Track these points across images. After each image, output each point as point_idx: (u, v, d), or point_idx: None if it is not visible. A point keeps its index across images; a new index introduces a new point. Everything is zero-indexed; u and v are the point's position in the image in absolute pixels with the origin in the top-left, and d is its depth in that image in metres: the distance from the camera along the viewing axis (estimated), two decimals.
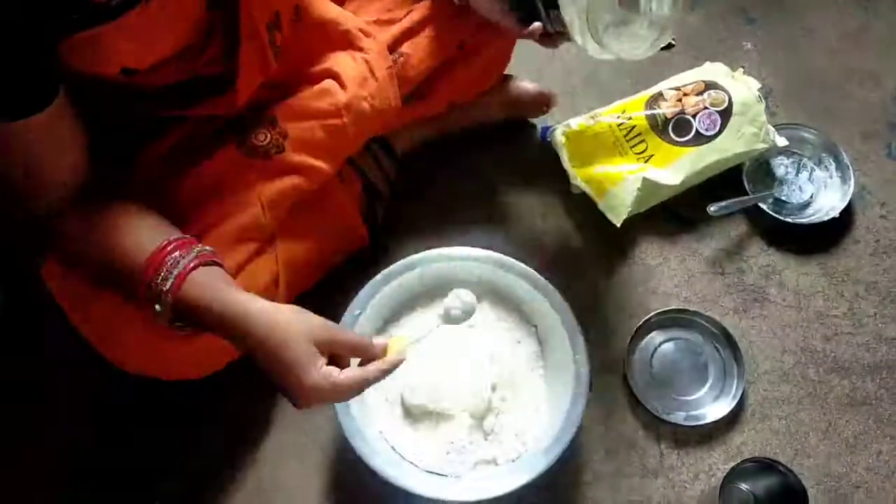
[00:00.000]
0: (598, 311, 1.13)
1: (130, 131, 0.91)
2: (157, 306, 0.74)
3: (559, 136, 1.18)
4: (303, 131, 0.95)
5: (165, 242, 0.76)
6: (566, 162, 1.18)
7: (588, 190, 1.15)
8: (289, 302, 0.99)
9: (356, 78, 0.98)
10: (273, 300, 0.92)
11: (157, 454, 1.03)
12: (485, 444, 0.98)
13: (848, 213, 1.20)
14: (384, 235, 1.14)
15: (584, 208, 1.17)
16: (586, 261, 1.16)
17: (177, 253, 0.75)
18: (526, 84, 1.22)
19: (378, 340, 0.79)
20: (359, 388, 0.75)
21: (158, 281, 0.73)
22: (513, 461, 0.96)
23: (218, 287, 0.75)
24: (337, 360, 0.76)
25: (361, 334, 0.98)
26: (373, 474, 0.90)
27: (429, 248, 1.02)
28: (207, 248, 0.78)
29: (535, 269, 1.01)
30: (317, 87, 0.98)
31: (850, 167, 1.21)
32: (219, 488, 1.01)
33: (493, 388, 1.00)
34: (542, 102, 1.23)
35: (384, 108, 1.01)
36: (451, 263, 1.02)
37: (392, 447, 0.97)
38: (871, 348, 1.12)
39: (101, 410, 1.05)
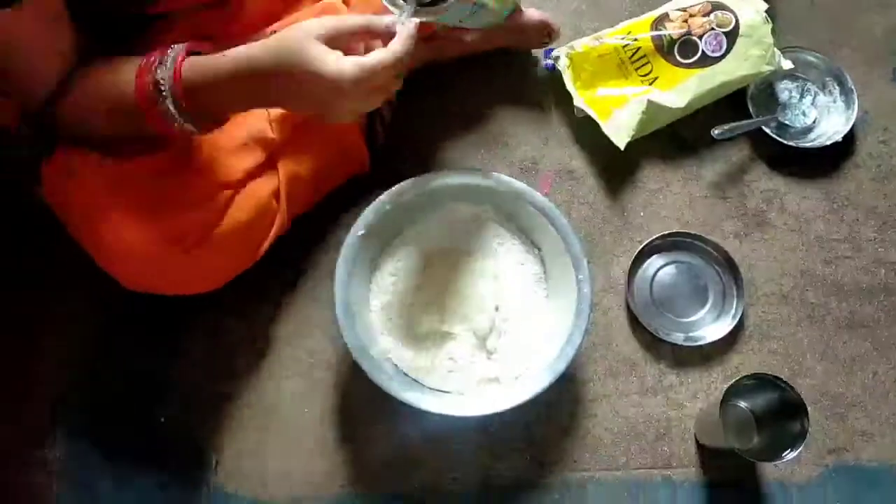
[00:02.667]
0: (600, 234, 1.13)
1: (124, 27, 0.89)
2: (169, 107, 0.74)
3: (563, 58, 1.17)
4: None
5: (145, 56, 0.76)
6: (570, 84, 1.16)
7: (592, 112, 1.14)
8: (291, 219, 0.99)
9: None
10: (274, 215, 0.93)
11: (157, 375, 1.03)
12: (488, 363, 0.99)
13: (850, 138, 1.19)
14: (385, 157, 1.12)
15: (587, 132, 1.16)
16: (589, 184, 1.16)
17: (158, 56, 0.75)
18: (531, 11, 1.20)
19: (387, 19, 0.77)
20: (388, 64, 0.73)
21: (156, 82, 0.73)
22: (515, 379, 0.97)
23: (214, 58, 0.75)
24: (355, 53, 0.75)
25: (365, 253, 0.98)
26: (377, 391, 0.91)
27: (430, 170, 1.01)
28: (181, 44, 0.77)
29: (538, 192, 1.01)
30: (321, 4, 0.96)
31: (854, 92, 1.20)
32: (221, 407, 1.02)
33: (497, 308, 1.01)
34: (545, 32, 1.20)
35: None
36: (454, 184, 1.02)
37: (396, 365, 0.98)
38: (871, 272, 1.13)
39: (97, 333, 1.05)
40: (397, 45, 0.74)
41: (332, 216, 1.10)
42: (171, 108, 0.74)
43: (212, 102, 0.76)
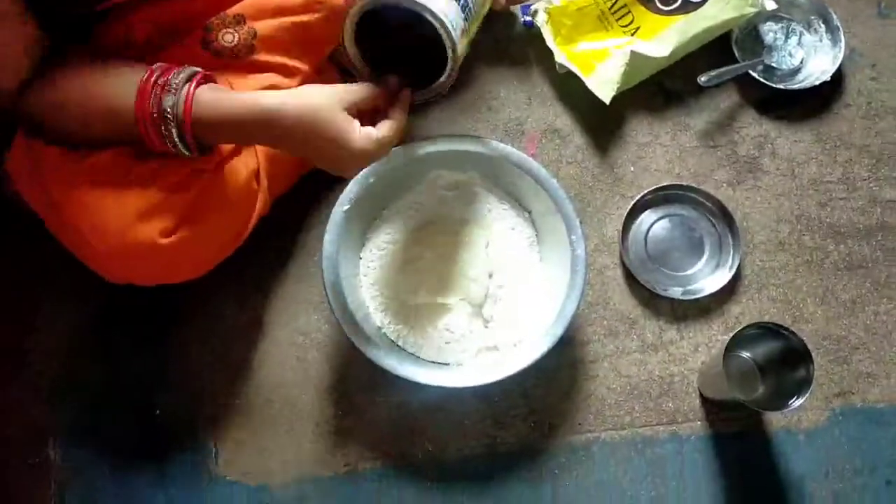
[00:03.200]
0: (590, 192, 1.11)
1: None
2: (172, 135, 0.75)
3: (541, 14, 1.14)
4: (273, 29, 0.90)
5: (148, 73, 0.75)
6: (549, 40, 1.13)
7: (574, 68, 1.11)
8: (272, 200, 0.96)
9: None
10: (255, 197, 0.90)
11: (151, 367, 1.02)
12: (485, 332, 0.98)
13: (839, 77, 1.17)
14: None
15: (570, 89, 1.14)
16: (576, 142, 1.13)
17: (162, 78, 0.75)
18: None
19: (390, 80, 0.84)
20: (397, 136, 0.82)
21: (162, 110, 0.74)
22: (514, 346, 0.96)
23: (228, 98, 0.77)
24: (360, 116, 0.80)
25: (351, 229, 0.96)
26: (374, 367, 0.90)
27: (414, 138, 0.98)
28: (193, 67, 0.78)
29: (525, 154, 0.98)
30: (287, 20, 0.91)
31: (840, 30, 1.17)
32: (218, 395, 1.01)
33: (490, 276, 0.99)
34: None
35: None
36: (438, 152, 0.99)
37: (392, 340, 0.96)
38: (866, 212, 1.11)
39: (89, 327, 1.03)
40: (400, 115, 0.83)
41: (314, 194, 1.07)
42: (175, 136, 0.75)
43: (218, 138, 0.80)
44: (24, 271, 1.04)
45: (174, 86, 0.75)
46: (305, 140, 0.77)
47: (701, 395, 1.02)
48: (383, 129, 0.80)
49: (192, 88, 0.75)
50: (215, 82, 0.79)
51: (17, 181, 0.82)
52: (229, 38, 0.88)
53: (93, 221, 0.78)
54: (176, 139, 0.76)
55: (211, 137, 0.78)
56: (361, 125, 0.79)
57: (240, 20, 0.89)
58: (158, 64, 0.77)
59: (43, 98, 0.76)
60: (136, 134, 0.76)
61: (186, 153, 0.78)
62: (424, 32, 0.81)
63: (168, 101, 0.74)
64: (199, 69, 0.78)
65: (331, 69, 1.03)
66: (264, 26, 0.89)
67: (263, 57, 0.90)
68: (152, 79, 0.75)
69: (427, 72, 0.85)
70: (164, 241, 0.80)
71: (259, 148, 0.92)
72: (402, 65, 0.86)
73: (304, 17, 0.91)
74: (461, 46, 0.83)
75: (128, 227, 0.78)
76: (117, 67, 0.78)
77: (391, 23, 0.83)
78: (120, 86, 0.76)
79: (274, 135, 0.78)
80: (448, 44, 0.81)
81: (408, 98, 0.85)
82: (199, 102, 0.75)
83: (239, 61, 0.89)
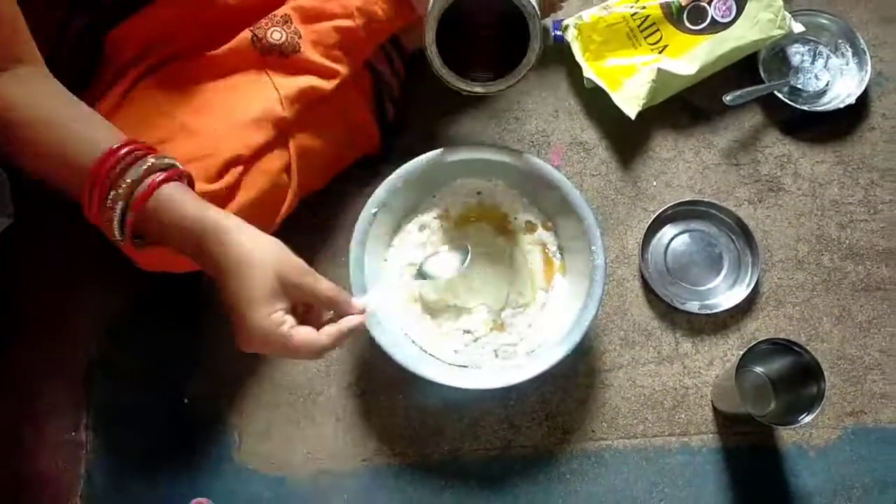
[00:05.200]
0: (612, 205, 1.13)
1: None
2: (111, 216, 0.69)
3: (571, 29, 1.16)
4: (317, 33, 0.95)
5: (125, 141, 0.70)
6: (579, 55, 1.16)
7: (602, 83, 1.13)
8: (301, 197, 1.00)
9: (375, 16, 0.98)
10: (285, 192, 0.93)
11: (182, 352, 1.05)
12: (503, 336, 1.00)
13: (864, 99, 1.18)
14: (396, 134, 1.13)
15: (597, 103, 1.16)
16: (600, 156, 1.16)
17: (131, 154, 0.69)
18: None
19: (357, 301, 0.76)
20: (314, 353, 0.71)
21: (116, 190, 0.68)
22: (531, 351, 0.98)
23: (187, 199, 0.71)
24: (307, 311, 0.74)
25: (378, 231, 0.99)
26: (395, 366, 0.92)
27: (441, 146, 1.01)
28: (170, 159, 0.72)
29: (550, 165, 1.01)
30: (330, 25, 0.96)
31: (867, 53, 1.18)
32: (243, 384, 1.04)
33: (511, 282, 1.01)
34: (551, 1, 1.19)
35: (395, 12, 0.99)
36: (465, 160, 1.02)
37: (413, 340, 0.99)
38: (886, 234, 1.12)
39: (125, 311, 1.07)
40: (327, 342, 0.72)
41: (342, 194, 1.10)
42: (118, 212, 0.69)
43: (153, 234, 0.72)
44: (65, 258, 1.08)
45: (139, 169, 0.69)
46: (221, 282, 0.69)
47: (714, 408, 1.03)
48: (304, 332, 0.70)
49: (158, 179, 0.69)
50: (188, 180, 0.75)
51: None
52: (277, 35, 0.93)
53: None
54: (116, 215, 0.69)
55: (147, 228, 0.71)
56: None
57: (287, 20, 0.94)
58: (136, 139, 0.72)
59: (11, 102, 0.69)
60: (77, 190, 0.70)
61: (118, 235, 0.71)
62: (499, 18, 0.83)
63: (128, 175, 0.69)
64: (176, 163, 0.73)
65: (363, 71, 1.07)
66: (308, 29, 0.95)
67: (307, 56, 0.94)
68: (124, 149, 0.69)
69: (508, 59, 0.88)
70: None
71: (291, 145, 0.95)
72: (483, 57, 0.88)
73: (345, 23, 0.96)
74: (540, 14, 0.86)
75: None
76: (92, 115, 0.73)
77: (467, 17, 0.85)
78: (89, 135, 0.70)
79: (203, 259, 0.70)
80: (529, 10, 0.84)
81: (351, 328, 0.75)
82: (159, 193, 0.69)
83: (284, 59, 0.93)
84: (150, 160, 0.70)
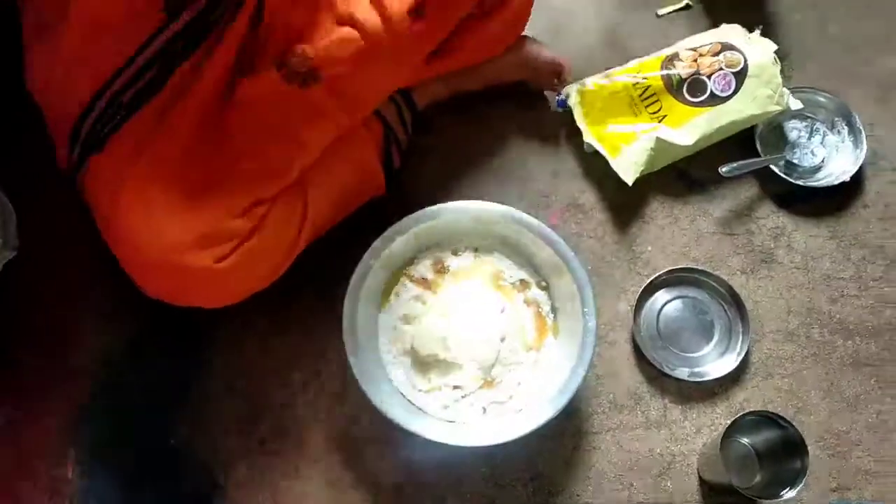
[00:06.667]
0: (607, 267, 1.15)
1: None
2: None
3: (574, 95, 1.19)
4: (329, 76, 0.97)
5: None
6: (580, 120, 1.19)
7: (601, 148, 1.16)
8: (307, 242, 1.02)
9: (375, 30, 0.99)
10: (298, 237, 0.98)
11: (172, 394, 1.06)
12: (492, 393, 1.01)
13: (858, 177, 1.20)
14: (398, 186, 1.15)
15: (596, 167, 1.19)
16: (597, 219, 1.18)
17: None
18: (543, 49, 1.22)
19: None
20: None
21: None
22: (519, 410, 0.99)
23: None
24: None
25: (376, 282, 1.02)
26: (383, 419, 0.93)
27: (442, 200, 1.03)
28: None
29: (547, 225, 1.02)
30: (336, 35, 0.98)
31: (863, 132, 1.21)
32: (229, 428, 1.04)
33: (503, 339, 1.02)
34: (556, 71, 1.22)
35: (401, 62, 1.02)
36: (465, 216, 1.04)
37: (402, 394, 1.00)
38: (876, 311, 1.13)
39: (119, 349, 1.08)
40: None
41: (345, 242, 1.11)
42: None
43: None
44: (64, 292, 1.10)
45: None
46: None
47: (700, 477, 1.03)
48: None
49: None
50: None
51: (91, 188, 0.90)
52: (299, 64, 0.95)
53: (158, 231, 0.86)
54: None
55: None
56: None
57: (305, 55, 0.96)
58: None
59: None
60: None
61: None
62: None
63: None
64: None
65: (373, 120, 1.10)
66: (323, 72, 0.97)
67: (325, 91, 0.97)
68: None
69: None
70: (215, 267, 0.88)
71: (308, 188, 0.99)
72: None
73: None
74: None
75: (188, 246, 0.86)
76: None
77: None
78: None
79: None
80: None
81: None
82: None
83: (306, 89, 0.96)
84: None
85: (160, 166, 0.89)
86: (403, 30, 1.00)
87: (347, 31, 0.99)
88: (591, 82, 1.18)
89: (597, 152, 1.17)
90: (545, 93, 1.25)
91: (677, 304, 1.13)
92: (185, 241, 0.87)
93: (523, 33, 1.20)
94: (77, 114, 0.90)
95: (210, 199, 0.90)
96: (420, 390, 1.01)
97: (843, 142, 1.23)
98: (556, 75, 1.22)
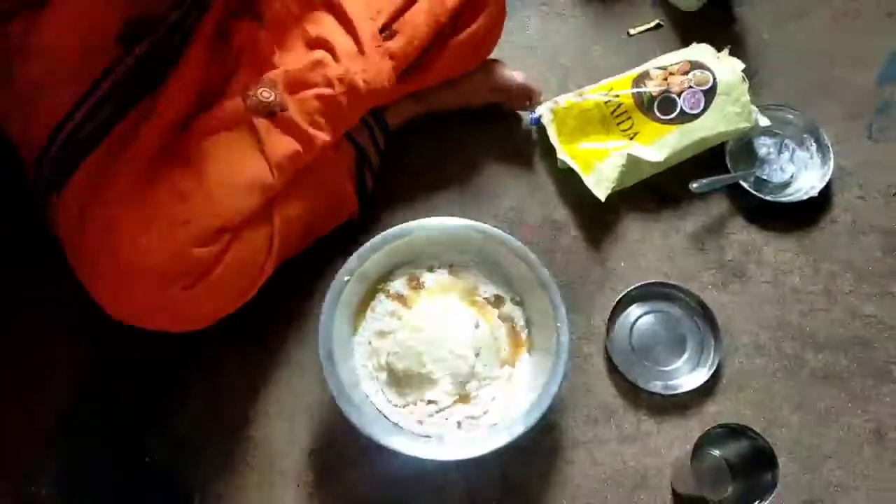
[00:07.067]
0: (580, 283, 1.16)
1: None
2: None
3: (547, 113, 1.21)
4: (300, 101, 0.98)
5: None
6: (553, 137, 1.20)
7: (574, 165, 1.18)
8: (276, 264, 1.01)
9: (349, 52, 1.01)
10: (265, 261, 0.95)
11: (147, 412, 1.06)
12: (467, 408, 1.01)
13: (827, 193, 1.23)
14: (374, 203, 1.16)
15: (569, 184, 1.20)
16: (570, 234, 1.19)
17: None
18: (514, 73, 1.23)
19: None
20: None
21: None
22: (493, 425, 0.99)
23: None
24: None
25: (350, 299, 1.01)
26: (359, 435, 0.93)
27: (416, 218, 1.04)
28: None
29: (521, 241, 1.03)
30: (309, 58, 1.00)
31: (830, 149, 1.23)
32: (205, 446, 1.04)
33: (477, 354, 1.03)
34: (526, 94, 1.24)
35: (376, 82, 1.03)
36: (439, 233, 1.05)
37: (378, 409, 1.00)
38: (846, 324, 1.15)
39: (92, 369, 1.08)
40: None
41: (319, 260, 1.13)
42: None
43: None
44: (31, 315, 1.09)
45: None
46: None
47: (673, 490, 1.04)
48: None
49: None
50: None
51: (58, 232, 0.90)
52: (266, 94, 0.96)
53: (117, 263, 0.85)
54: None
55: None
56: None
57: (274, 84, 0.97)
58: None
59: None
60: None
61: None
62: None
63: None
64: None
65: (345, 142, 1.10)
66: (292, 98, 0.98)
67: (293, 117, 0.96)
68: None
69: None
70: (183, 293, 0.87)
71: (276, 212, 0.97)
72: None
73: (326, 91, 0.99)
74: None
75: (152, 277, 0.86)
76: None
77: None
78: None
79: None
80: None
81: None
82: None
83: (272, 119, 0.95)
84: None
85: (122, 197, 0.87)
86: (376, 49, 1.02)
87: (321, 53, 1.00)
88: (564, 100, 1.20)
89: (570, 169, 1.18)
90: (518, 112, 1.27)
91: (650, 318, 1.14)
92: (149, 271, 0.86)
93: (495, 58, 1.23)
94: (38, 149, 0.89)
95: (174, 228, 0.88)
96: (395, 405, 1.01)
97: (811, 158, 1.26)
98: (528, 99, 1.23)
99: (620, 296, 1.13)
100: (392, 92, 1.07)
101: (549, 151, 1.22)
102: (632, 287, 1.14)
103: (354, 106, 1.03)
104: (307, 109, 0.98)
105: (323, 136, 1.00)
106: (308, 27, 1.01)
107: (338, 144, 1.07)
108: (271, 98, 0.95)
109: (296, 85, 0.98)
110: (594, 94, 1.20)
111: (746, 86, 1.18)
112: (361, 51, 1.01)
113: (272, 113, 0.95)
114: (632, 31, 1.35)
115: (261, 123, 0.94)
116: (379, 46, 1.02)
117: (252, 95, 0.95)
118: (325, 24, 1.02)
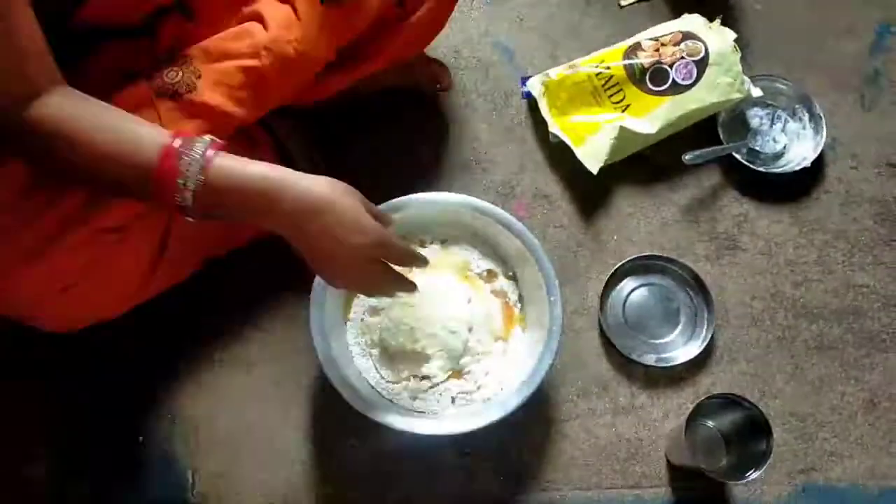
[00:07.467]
0: (573, 257, 1.16)
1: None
2: (186, 200, 0.73)
3: (538, 86, 1.20)
4: (219, 73, 0.89)
5: (174, 132, 0.75)
6: (545, 111, 1.19)
7: (566, 138, 1.17)
8: (200, 265, 0.99)
9: (282, 20, 0.91)
10: (150, 272, 0.92)
11: (136, 392, 1.05)
12: (460, 383, 1.01)
13: (819, 163, 1.22)
14: (365, 180, 1.14)
15: (562, 157, 1.19)
16: (563, 208, 1.19)
17: (182, 144, 0.74)
18: (422, 57, 1.19)
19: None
20: (406, 259, 0.86)
21: (182, 171, 0.73)
22: (488, 399, 0.99)
23: (243, 167, 0.76)
24: None
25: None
26: (353, 412, 0.93)
27: (408, 193, 1.03)
28: (210, 136, 0.77)
29: (513, 216, 1.03)
30: (236, 28, 0.92)
31: (823, 119, 1.23)
32: (199, 425, 1.04)
33: (470, 329, 1.03)
34: (435, 75, 1.21)
35: (310, 51, 0.93)
36: (432, 208, 1.04)
37: (371, 385, 1.00)
38: (839, 294, 1.15)
39: (85, 344, 1.06)
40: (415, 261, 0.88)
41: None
42: (189, 201, 0.74)
43: (224, 208, 0.76)
44: None
45: (193, 152, 0.73)
46: (302, 222, 0.76)
47: (668, 461, 1.04)
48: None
49: (210, 154, 0.74)
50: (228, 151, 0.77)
51: None
52: (173, 75, 0.88)
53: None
54: (189, 203, 0.74)
55: (218, 205, 0.76)
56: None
57: (187, 60, 0.89)
58: (178, 130, 0.76)
59: (58, 118, 0.73)
60: (138, 184, 0.75)
61: (191, 214, 0.75)
62: None
63: (183, 165, 0.73)
64: (215, 138, 0.77)
65: (266, 139, 1.06)
66: (210, 68, 0.89)
67: (203, 96, 0.88)
68: (177, 139, 0.74)
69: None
70: (61, 295, 0.83)
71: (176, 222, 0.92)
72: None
73: (251, 62, 0.90)
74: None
75: (31, 278, 0.81)
76: (134, 119, 0.77)
77: None
78: (140, 133, 0.75)
79: (271, 206, 0.76)
80: None
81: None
82: (216, 169, 0.74)
83: (178, 100, 0.88)
84: (198, 143, 0.74)
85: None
86: (315, 15, 0.92)
87: (249, 24, 0.92)
88: (556, 73, 1.19)
89: (562, 143, 1.17)
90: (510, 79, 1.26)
91: (643, 291, 1.14)
92: (29, 273, 0.80)
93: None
94: None
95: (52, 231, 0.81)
96: (389, 382, 1.01)
97: (803, 128, 1.25)
98: (438, 82, 1.21)
99: (614, 269, 1.13)
100: (337, 81, 1.02)
101: (541, 125, 1.21)
102: (625, 260, 1.13)
103: (284, 78, 0.93)
104: (228, 82, 0.89)
105: (239, 112, 0.90)
106: (244, 8, 0.94)
107: (253, 141, 1.02)
108: (177, 78, 0.88)
109: (216, 56, 0.90)
110: (585, 66, 1.19)
111: (738, 56, 1.17)
112: (298, 17, 0.91)
113: (177, 94, 0.87)
114: (623, 3, 1.34)
115: (163, 105, 0.87)
116: (318, 13, 0.92)
117: (157, 76, 0.88)
118: (262, 1, 0.94)
